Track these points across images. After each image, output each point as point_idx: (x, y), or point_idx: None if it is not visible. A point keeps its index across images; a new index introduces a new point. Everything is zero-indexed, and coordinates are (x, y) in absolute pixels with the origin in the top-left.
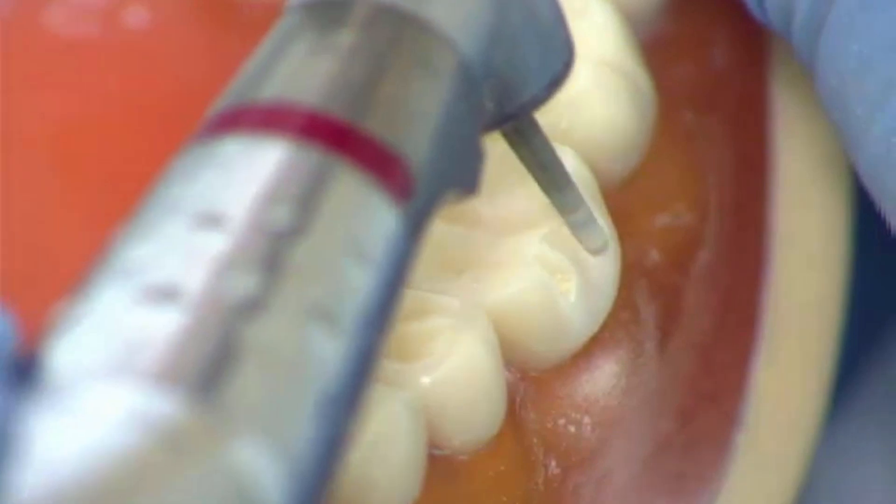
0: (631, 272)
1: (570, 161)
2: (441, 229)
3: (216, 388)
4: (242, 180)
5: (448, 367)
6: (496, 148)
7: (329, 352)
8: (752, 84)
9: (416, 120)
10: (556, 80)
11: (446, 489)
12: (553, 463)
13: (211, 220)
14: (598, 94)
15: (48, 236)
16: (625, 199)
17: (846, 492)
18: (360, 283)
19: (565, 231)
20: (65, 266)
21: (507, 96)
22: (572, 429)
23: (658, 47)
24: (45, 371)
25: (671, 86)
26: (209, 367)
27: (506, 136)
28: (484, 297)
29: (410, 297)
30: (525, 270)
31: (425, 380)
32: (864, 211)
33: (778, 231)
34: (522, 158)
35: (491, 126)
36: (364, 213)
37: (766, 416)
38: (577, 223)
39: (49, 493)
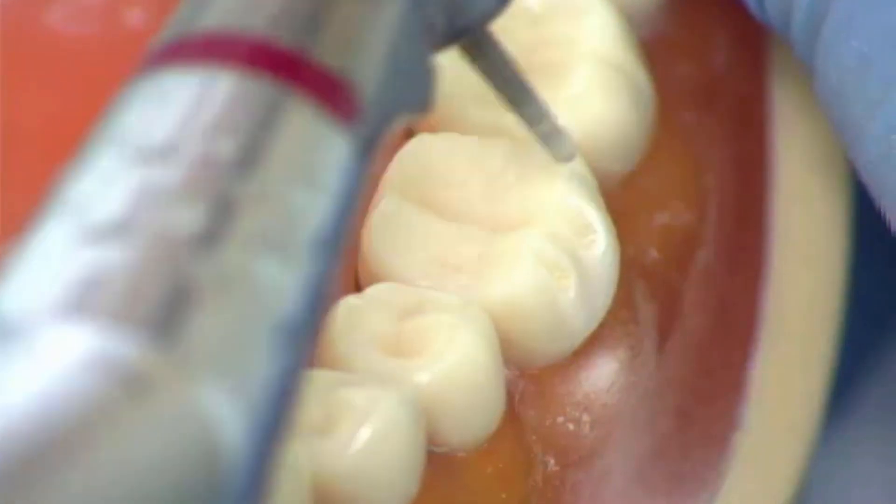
0: (630, 271)
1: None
2: (439, 227)
3: (173, 327)
4: (188, 113)
5: (447, 364)
6: (496, 148)
7: (283, 282)
8: (751, 83)
9: (363, 44)
10: None
11: (445, 486)
12: (552, 461)
13: (156, 155)
14: (598, 93)
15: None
16: (624, 198)
17: (845, 493)
18: (312, 210)
19: (564, 229)
20: None
21: (455, 10)
22: (571, 427)
23: (658, 47)
24: None
25: (671, 85)
26: (165, 305)
27: (463, 51)
28: (483, 294)
29: (409, 294)
30: (524, 268)
31: (424, 377)
32: (864, 210)
33: (777, 230)
34: (482, 73)
35: (444, 43)
36: (313, 141)
37: (765, 416)
38: (544, 134)
39: (4, 437)
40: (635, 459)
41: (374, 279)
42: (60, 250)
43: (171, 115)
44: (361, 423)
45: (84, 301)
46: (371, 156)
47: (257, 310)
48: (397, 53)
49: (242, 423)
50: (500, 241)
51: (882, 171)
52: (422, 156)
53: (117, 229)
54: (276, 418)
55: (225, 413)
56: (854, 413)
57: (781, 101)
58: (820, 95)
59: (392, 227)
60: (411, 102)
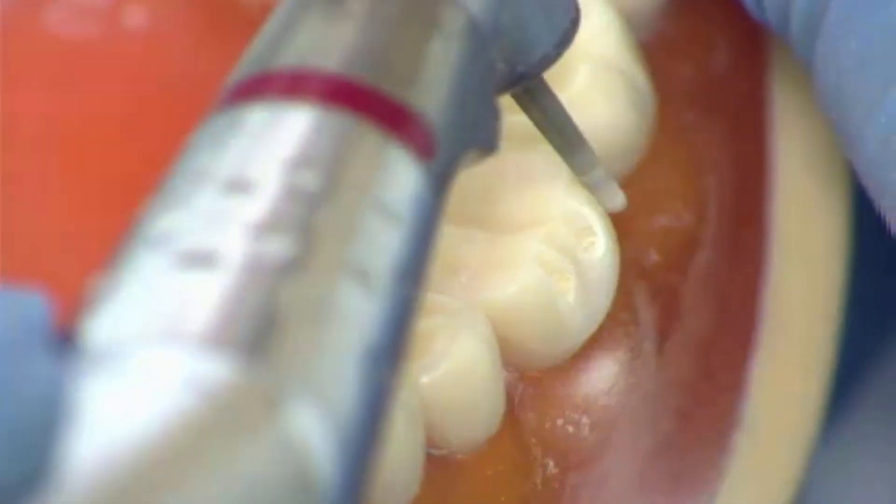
0: (629, 272)
1: None
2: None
3: (264, 349)
4: (270, 146)
5: (446, 366)
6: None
7: (366, 308)
8: (751, 85)
9: (432, 80)
10: (565, 38)
11: (444, 489)
12: (551, 463)
13: (241, 187)
14: (597, 95)
15: (47, 236)
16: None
17: (845, 492)
18: (390, 240)
19: (564, 231)
20: (64, 266)
21: (516, 56)
22: (571, 429)
23: (657, 48)
24: (86, 342)
25: (670, 86)
26: (255, 328)
27: (517, 98)
28: (483, 296)
29: None
30: (524, 270)
31: (424, 379)
32: (864, 211)
33: (777, 231)
34: (535, 121)
35: (503, 88)
36: (389, 172)
37: (765, 416)
38: (594, 183)
39: (108, 459)
40: (635, 461)
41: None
42: (152, 278)
43: (255, 148)
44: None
45: (177, 326)
46: (445, 190)
47: (343, 335)
48: (464, 90)
49: (332, 442)
50: (499, 243)
51: (881, 171)
52: None
53: (208, 258)
54: (365, 443)
55: (316, 436)
56: (854, 413)
57: (781, 102)
58: (819, 95)
59: None
60: (479, 139)
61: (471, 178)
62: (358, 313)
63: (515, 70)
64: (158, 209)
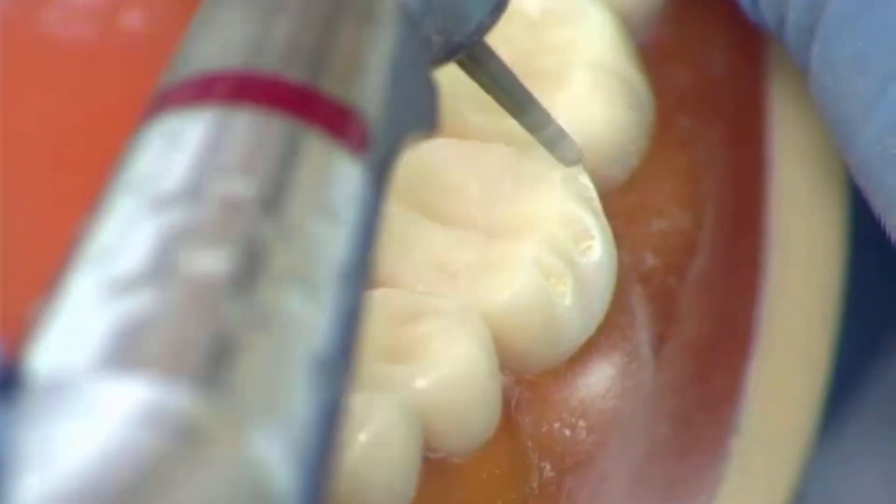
0: (627, 276)
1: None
2: (436, 232)
3: (220, 374)
4: (206, 154)
5: (443, 370)
6: (494, 153)
7: (314, 318)
8: (749, 89)
9: (366, 71)
10: (499, 4)
11: (440, 492)
12: (548, 466)
13: (178, 199)
14: (595, 98)
15: (46, 238)
16: (621, 203)
17: (843, 496)
18: (334, 243)
19: (561, 235)
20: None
21: (452, 27)
22: (567, 432)
23: (655, 52)
24: (32, 375)
25: (668, 90)
26: (209, 352)
27: (461, 65)
28: (480, 300)
29: (405, 299)
30: (521, 274)
31: (420, 382)
32: (861, 214)
33: (774, 236)
34: (482, 85)
35: (442, 59)
36: (329, 174)
37: (761, 421)
38: (549, 140)
39: (62, 498)
40: (632, 465)
41: (372, 285)
42: (90, 303)
43: (189, 157)
44: (357, 428)
45: (126, 353)
46: (385, 182)
47: (294, 348)
48: (398, 76)
49: (291, 465)
50: (497, 246)
51: (876, 171)
52: (419, 161)
53: (146, 278)
54: (322, 453)
55: (274, 457)
56: (851, 417)
57: (779, 106)
58: (815, 96)
59: (389, 232)
60: (418, 123)
61: (468, 181)
62: (306, 324)
63: (452, 40)
64: (92, 229)
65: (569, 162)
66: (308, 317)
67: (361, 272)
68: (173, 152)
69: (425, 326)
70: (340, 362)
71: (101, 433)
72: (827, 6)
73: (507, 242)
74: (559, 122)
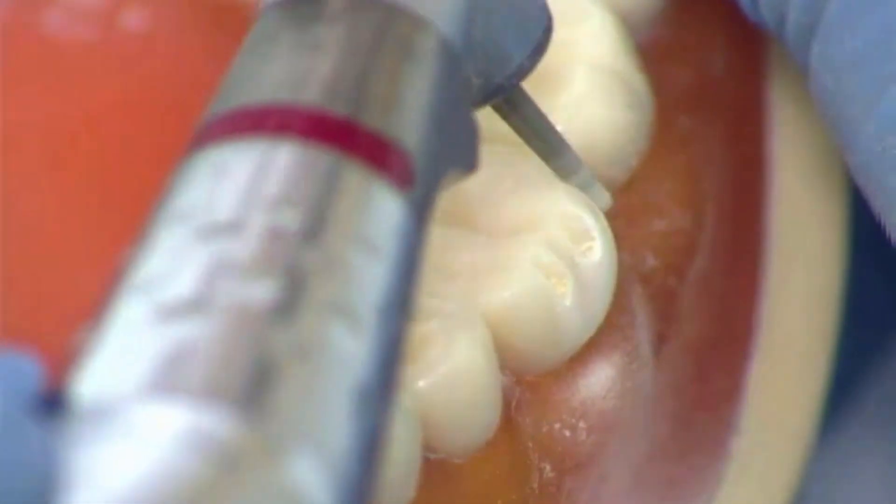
0: (627, 277)
1: None
2: (436, 233)
3: (260, 399)
4: (251, 185)
5: (443, 370)
6: (492, 152)
7: (355, 348)
8: (749, 89)
9: (407, 106)
10: (538, 47)
11: (440, 493)
12: (548, 467)
13: (223, 230)
14: (595, 99)
15: (46, 239)
16: (621, 203)
17: (843, 497)
18: (375, 276)
19: (562, 235)
20: (63, 269)
21: (491, 70)
22: (567, 433)
23: (655, 52)
24: (77, 400)
25: (668, 90)
26: (250, 379)
27: (497, 109)
28: (480, 300)
29: None
30: (521, 274)
31: (420, 383)
32: (862, 215)
33: (774, 236)
34: (516, 128)
35: (481, 101)
36: (370, 207)
37: (762, 421)
38: (579, 185)
39: None
40: (632, 465)
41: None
42: (138, 329)
43: (235, 188)
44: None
45: (171, 379)
46: (427, 217)
47: (334, 377)
48: (440, 113)
49: (330, 491)
50: (497, 247)
51: (876, 171)
52: None
53: (193, 305)
54: (361, 482)
55: (314, 484)
56: (852, 417)
57: (779, 106)
58: (815, 96)
59: None
60: (458, 160)
61: (469, 182)
62: (347, 354)
63: (491, 83)
64: (141, 256)
65: (599, 208)
66: (349, 347)
67: (403, 305)
68: (220, 183)
69: (425, 327)
70: (381, 393)
71: (143, 456)
72: (827, 5)
73: (507, 243)
74: (558, 122)
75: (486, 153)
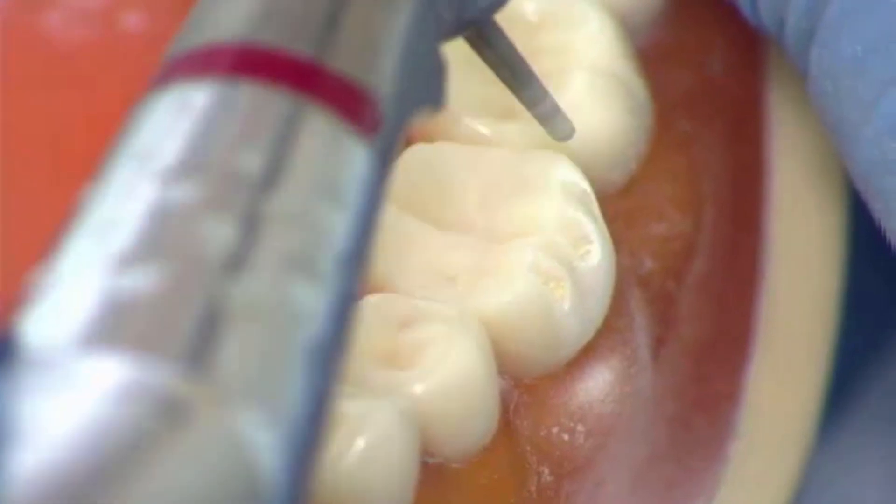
0: (625, 280)
1: (566, 170)
2: (435, 236)
3: (207, 352)
4: (209, 128)
5: (442, 374)
6: (492, 158)
7: (311, 302)
8: (748, 92)
9: (379, 49)
10: None
11: (439, 497)
12: (546, 471)
13: (180, 172)
14: (594, 102)
15: (46, 238)
16: (620, 206)
17: (842, 499)
18: (337, 227)
19: (560, 239)
20: None
21: (465, 4)
22: (566, 437)
23: (654, 55)
24: (23, 346)
25: (667, 94)
26: (198, 330)
27: (468, 40)
28: (478, 304)
29: (404, 304)
30: (519, 278)
31: (419, 387)
32: (861, 217)
33: (773, 238)
34: (486, 60)
35: (451, 34)
36: (335, 154)
37: (761, 425)
38: (544, 115)
39: (49, 471)
40: (630, 469)
41: (370, 289)
42: (85, 277)
43: (190, 130)
44: (356, 433)
45: (114, 330)
46: (391, 163)
47: (289, 332)
48: (410, 54)
49: (279, 446)
50: (495, 251)
51: (875, 174)
52: (418, 166)
53: (143, 254)
54: (310, 439)
55: (261, 436)
56: (851, 419)
57: (778, 109)
58: (814, 99)
59: (388, 237)
60: (426, 100)
61: (467, 185)
62: (303, 308)
63: (463, 17)
64: (92, 199)
65: (561, 137)
66: (305, 301)
67: (361, 258)
68: (175, 124)
69: (424, 331)
70: (334, 348)
71: (81, 409)
72: (826, 9)
73: (505, 247)
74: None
75: (485, 158)
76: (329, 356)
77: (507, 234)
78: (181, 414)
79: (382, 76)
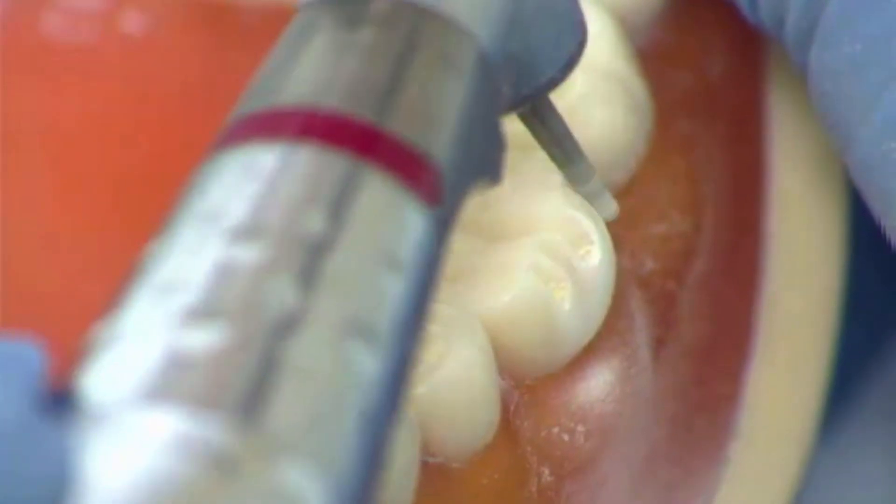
0: (626, 280)
1: None
2: None
3: (260, 409)
4: (273, 190)
5: (442, 374)
6: None
7: (368, 366)
8: (748, 92)
9: (439, 117)
10: (571, 60)
11: (439, 497)
12: (547, 471)
13: (243, 233)
14: (595, 103)
15: (46, 241)
16: (620, 207)
17: (842, 498)
18: (395, 292)
19: (561, 239)
20: (62, 270)
21: (523, 80)
22: (566, 437)
23: (654, 55)
24: (82, 399)
25: (667, 94)
26: (252, 387)
27: (521, 116)
28: (478, 304)
29: None
30: (520, 278)
31: (419, 387)
32: (862, 217)
33: (774, 239)
34: (537, 135)
35: (508, 109)
36: (396, 219)
37: (761, 425)
38: (589, 193)
39: None
40: (631, 469)
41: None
42: (147, 332)
43: (256, 190)
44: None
45: (172, 385)
46: (449, 233)
47: (342, 391)
48: (471, 125)
49: (326, 500)
50: (495, 251)
51: (874, 174)
52: None
53: (205, 312)
54: (360, 499)
55: (309, 490)
56: (851, 420)
57: (779, 109)
58: (814, 99)
59: None
60: (484, 173)
61: None
62: (359, 371)
63: (520, 93)
64: (158, 255)
65: (606, 216)
66: (361, 364)
67: (418, 323)
68: (240, 185)
69: None
70: (389, 411)
71: (135, 462)
72: (825, 8)
73: (506, 247)
74: None
75: None
76: (383, 419)
77: (507, 233)
78: (230, 466)
79: (441, 143)
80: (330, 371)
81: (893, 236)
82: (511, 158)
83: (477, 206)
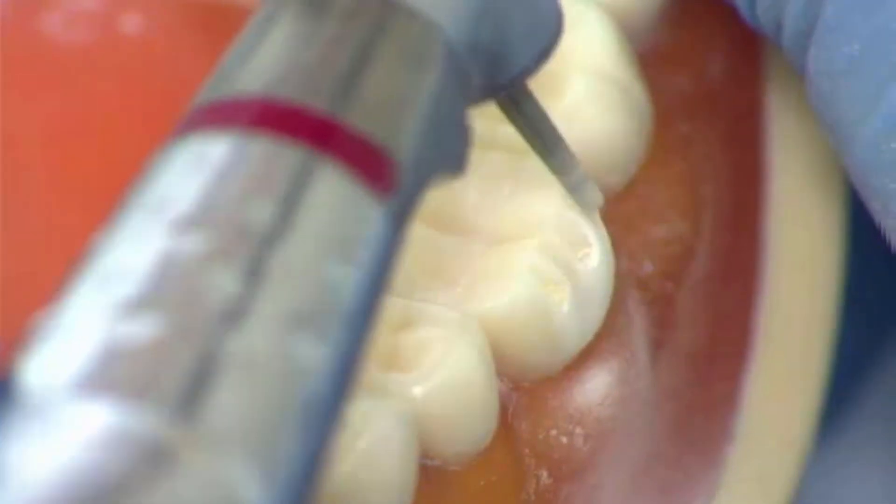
0: (624, 283)
1: None
2: (434, 238)
3: (198, 401)
4: (221, 179)
5: (440, 377)
6: (491, 160)
7: (313, 360)
8: (748, 95)
9: (401, 110)
10: (545, 50)
11: (438, 499)
12: (545, 473)
13: (189, 223)
14: (593, 105)
15: (45, 242)
16: (619, 209)
17: (846, 494)
18: (345, 286)
19: (559, 241)
20: (62, 270)
21: (495, 70)
22: (564, 440)
23: (653, 58)
24: (20, 388)
25: (666, 97)
26: (189, 379)
27: (499, 104)
28: (477, 307)
29: (403, 306)
30: (518, 281)
31: (417, 390)
32: (861, 219)
33: (773, 241)
34: (516, 125)
35: (480, 99)
36: (348, 212)
37: (759, 428)
38: (572, 184)
39: None
40: (628, 472)
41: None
42: (87, 323)
43: (204, 180)
44: (356, 436)
45: (106, 376)
46: (405, 225)
47: (285, 385)
48: (435, 117)
49: (267, 495)
50: (494, 253)
51: (873, 175)
52: None
53: (144, 302)
54: (301, 492)
55: (248, 484)
56: (849, 424)
57: (778, 112)
58: (812, 101)
59: None
60: (446, 164)
61: (465, 187)
62: (303, 365)
63: (493, 82)
64: (103, 246)
65: (588, 207)
66: (307, 358)
67: (368, 318)
68: (190, 175)
69: (422, 333)
70: (334, 406)
71: (63, 453)
72: (823, 11)
73: (504, 249)
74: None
75: (484, 159)
76: (328, 412)
77: (505, 236)
78: (164, 459)
79: (402, 137)
80: (272, 364)
81: (893, 237)
82: (509, 161)
83: (475, 209)
